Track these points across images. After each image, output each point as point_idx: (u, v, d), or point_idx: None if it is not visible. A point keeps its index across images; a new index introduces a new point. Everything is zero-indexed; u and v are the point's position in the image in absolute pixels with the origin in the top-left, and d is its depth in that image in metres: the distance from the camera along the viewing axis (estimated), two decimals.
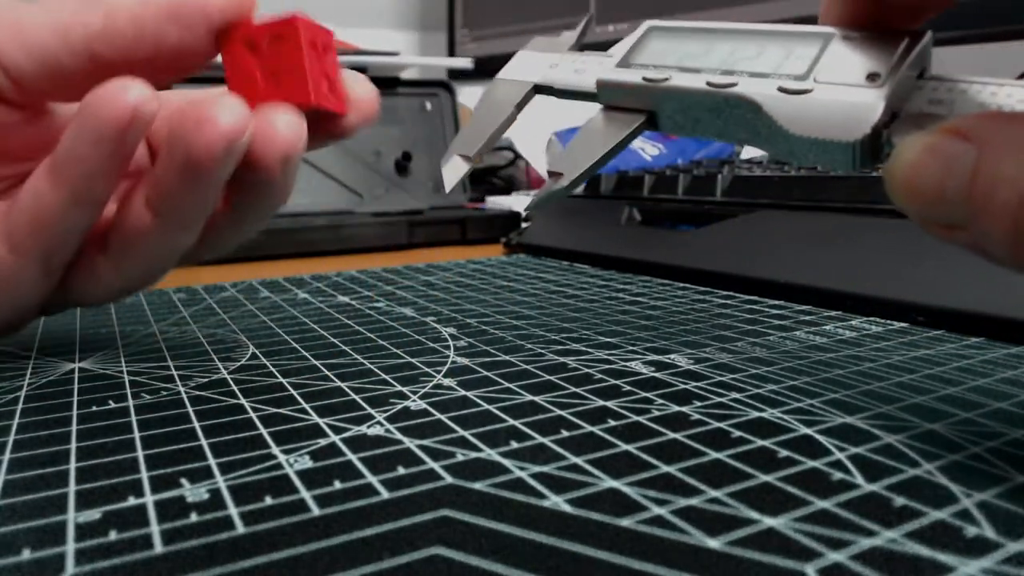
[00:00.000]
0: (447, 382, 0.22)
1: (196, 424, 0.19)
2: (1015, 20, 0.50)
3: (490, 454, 0.17)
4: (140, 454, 0.17)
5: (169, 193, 0.21)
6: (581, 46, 0.24)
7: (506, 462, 0.17)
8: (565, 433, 0.18)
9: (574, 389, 0.22)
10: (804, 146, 0.18)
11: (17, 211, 0.21)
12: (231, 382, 0.22)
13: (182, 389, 0.22)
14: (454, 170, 0.22)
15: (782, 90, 0.19)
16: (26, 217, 0.21)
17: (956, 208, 0.14)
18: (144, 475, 0.16)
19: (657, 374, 0.23)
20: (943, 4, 0.19)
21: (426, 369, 0.24)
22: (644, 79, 0.21)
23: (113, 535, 0.14)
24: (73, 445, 0.18)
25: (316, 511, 0.15)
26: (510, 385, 0.22)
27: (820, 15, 0.20)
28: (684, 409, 0.20)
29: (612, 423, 0.19)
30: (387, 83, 0.62)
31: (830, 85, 0.18)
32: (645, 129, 0.21)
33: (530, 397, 0.21)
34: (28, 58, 0.20)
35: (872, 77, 0.18)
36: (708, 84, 0.20)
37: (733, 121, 0.20)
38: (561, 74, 0.23)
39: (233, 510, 0.15)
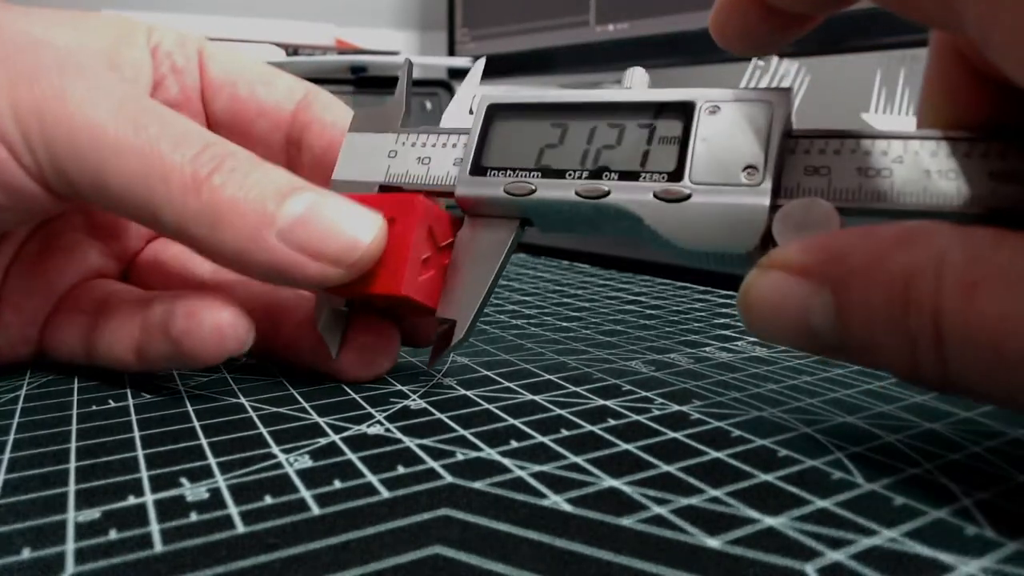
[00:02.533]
0: (447, 381, 0.22)
1: (196, 423, 0.19)
2: None
3: (490, 453, 0.17)
4: (140, 453, 0.17)
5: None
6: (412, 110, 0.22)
7: (506, 461, 0.17)
8: (565, 432, 0.18)
9: (574, 388, 0.22)
10: (695, 254, 0.17)
11: (99, 347, 0.22)
12: (231, 381, 0.22)
13: (182, 388, 0.22)
14: None
15: (658, 197, 0.18)
16: (94, 358, 0.22)
17: (828, 339, 0.14)
18: (144, 474, 0.16)
19: (657, 373, 0.23)
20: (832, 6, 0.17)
21: (426, 368, 0.24)
22: (506, 192, 0.19)
23: (113, 534, 0.14)
24: (73, 445, 0.18)
25: (316, 510, 0.15)
26: (510, 384, 0.22)
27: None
28: (684, 408, 0.20)
29: (612, 422, 0.19)
30: (387, 83, 0.62)
31: (708, 187, 0.17)
32: (525, 228, 0.20)
33: (530, 396, 0.21)
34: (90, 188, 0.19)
35: (750, 171, 0.17)
36: (578, 194, 0.18)
37: (614, 226, 0.19)
38: (405, 166, 0.21)
39: (233, 510, 0.15)
